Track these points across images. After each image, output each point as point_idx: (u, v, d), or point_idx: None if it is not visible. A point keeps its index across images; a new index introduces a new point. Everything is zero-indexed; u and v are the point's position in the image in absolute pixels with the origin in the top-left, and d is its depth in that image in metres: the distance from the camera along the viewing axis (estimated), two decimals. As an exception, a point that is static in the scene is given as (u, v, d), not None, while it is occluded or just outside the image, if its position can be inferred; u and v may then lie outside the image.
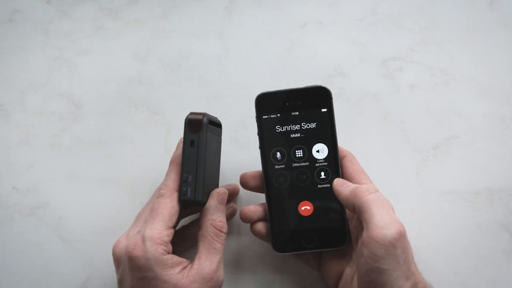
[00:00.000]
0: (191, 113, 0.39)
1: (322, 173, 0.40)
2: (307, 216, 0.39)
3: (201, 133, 0.38)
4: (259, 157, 0.40)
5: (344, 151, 0.41)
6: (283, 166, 0.40)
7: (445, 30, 0.51)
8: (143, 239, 0.35)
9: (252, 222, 0.41)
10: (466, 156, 0.46)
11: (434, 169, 0.46)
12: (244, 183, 0.41)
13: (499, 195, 0.45)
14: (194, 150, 0.38)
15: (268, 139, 0.40)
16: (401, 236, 0.32)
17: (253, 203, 0.42)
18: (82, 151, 0.49)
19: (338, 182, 0.38)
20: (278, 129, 0.40)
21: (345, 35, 0.52)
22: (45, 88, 0.52)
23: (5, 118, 0.51)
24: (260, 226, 0.40)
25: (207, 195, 0.39)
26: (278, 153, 0.40)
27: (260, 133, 0.40)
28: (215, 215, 0.38)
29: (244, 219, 0.40)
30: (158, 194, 0.38)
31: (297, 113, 0.40)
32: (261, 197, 0.41)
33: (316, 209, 0.39)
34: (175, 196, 0.38)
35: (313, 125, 0.40)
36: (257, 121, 0.40)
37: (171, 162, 0.40)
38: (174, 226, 0.38)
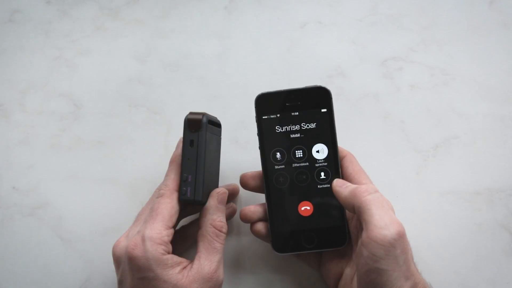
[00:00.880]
0: (191, 113, 0.39)
1: (322, 173, 0.40)
2: (307, 216, 0.39)
3: (201, 133, 0.38)
4: (259, 157, 0.40)
5: (344, 151, 0.41)
6: (283, 166, 0.40)
7: (445, 30, 0.51)
8: (143, 239, 0.35)
9: (252, 222, 0.41)
10: (466, 156, 0.46)
11: (434, 169, 0.46)
12: (244, 183, 0.41)
13: (499, 195, 0.45)
14: (194, 150, 0.38)
15: (268, 140, 0.40)
16: (401, 237, 0.32)
17: (253, 203, 0.42)
18: (82, 151, 0.49)
19: (337, 183, 0.38)
20: (278, 130, 0.40)
21: (345, 35, 0.52)
22: (45, 88, 0.52)
23: (5, 118, 0.51)
24: (260, 226, 0.40)
25: (207, 195, 0.39)
26: (278, 153, 0.40)
27: (260, 134, 0.40)
28: (215, 215, 0.38)
29: (244, 219, 0.40)
30: (158, 194, 0.38)
31: (297, 113, 0.40)
32: (261, 197, 0.41)
33: (316, 209, 0.39)
34: (175, 196, 0.38)
35: (313, 125, 0.40)
36: (256, 122, 0.40)
37: (171, 162, 0.40)
38: (174, 226, 0.38)
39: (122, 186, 0.47)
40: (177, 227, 0.42)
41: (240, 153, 0.48)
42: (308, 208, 0.40)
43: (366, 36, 0.51)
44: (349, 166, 0.40)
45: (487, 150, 0.46)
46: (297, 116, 0.40)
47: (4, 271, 0.45)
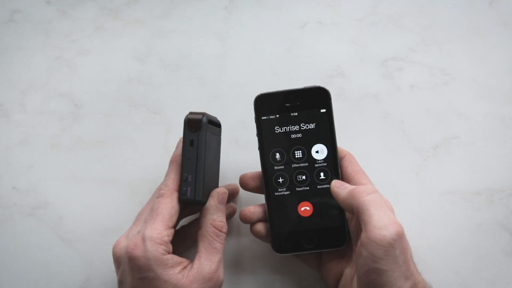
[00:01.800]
0: (191, 113, 0.39)
1: (322, 174, 0.40)
2: (307, 217, 0.39)
3: (201, 133, 0.38)
4: (259, 157, 0.40)
5: (343, 151, 0.41)
6: (283, 166, 0.40)
7: (445, 30, 0.51)
8: (143, 239, 0.35)
9: (252, 223, 0.41)
10: (466, 156, 0.46)
11: (434, 169, 0.46)
12: (243, 184, 0.41)
13: (499, 195, 0.45)
14: (194, 150, 0.38)
15: (267, 140, 0.40)
16: (400, 237, 0.32)
17: (253, 203, 0.42)
18: (82, 151, 0.49)
19: (336, 184, 0.38)
20: (277, 130, 0.40)
21: (345, 35, 0.52)
22: (45, 88, 0.52)
23: (5, 118, 0.51)
24: (260, 227, 0.40)
25: (207, 195, 0.39)
26: (278, 154, 0.40)
27: (259, 134, 0.40)
28: (215, 215, 0.38)
29: (244, 220, 0.40)
30: (158, 194, 0.38)
31: (296, 113, 0.40)
32: (261, 198, 0.41)
33: (315, 210, 0.39)
34: (175, 196, 0.38)
35: (312, 126, 0.40)
36: (256, 122, 0.40)
37: (171, 162, 0.40)
38: (174, 226, 0.38)
39: (122, 186, 0.47)
40: (177, 227, 0.42)
41: (240, 153, 0.48)
42: (308, 208, 0.39)
43: (366, 36, 0.51)
44: (348, 166, 0.40)
45: (487, 150, 0.46)
46: (296, 116, 0.40)
47: (4, 271, 0.45)
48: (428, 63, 0.50)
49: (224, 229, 0.38)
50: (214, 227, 0.38)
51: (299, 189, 0.40)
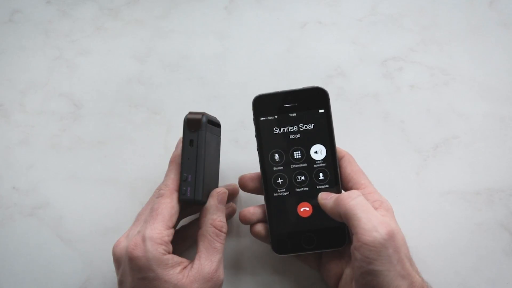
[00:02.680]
0: (190, 113, 0.39)
1: (321, 174, 0.40)
2: (306, 217, 0.39)
3: (200, 133, 0.38)
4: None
5: (342, 152, 0.41)
6: (282, 167, 0.40)
7: (445, 30, 0.51)
8: (144, 239, 0.35)
9: (252, 224, 0.41)
10: (466, 156, 0.46)
11: (434, 169, 0.46)
12: (242, 185, 0.41)
13: (499, 195, 0.45)
14: (194, 150, 0.38)
15: (266, 141, 0.40)
16: (391, 236, 0.32)
17: (253, 203, 0.42)
18: (82, 151, 0.49)
19: (322, 196, 0.38)
20: (276, 131, 0.40)
21: (345, 35, 0.52)
22: (45, 88, 0.52)
23: (5, 118, 0.51)
24: (260, 228, 0.40)
25: (207, 195, 0.39)
26: (276, 154, 0.40)
27: (258, 135, 0.40)
28: (215, 215, 0.38)
29: (244, 221, 0.40)
30: (158, 194, 0.38)
31: (295, 114, 0.40)
32: (261, 198, 0.41)
33: (315, 210, 0.39)
34: (175, 196, 0.38)
35: (310, 126, 0.40)
36: (254, 123, 0.40)
37: (171, 162, 0.40)
38: (174, 226, 0.38)
39: (122, 186, 0.47)
40: (177, 227, 0.42)
41: (240, 153, 0.48)
42: (307, 209, 0.39)
43: (366, 36, 0.51)
44: (347, 166, 0.40)
45: (487, 150, 0.46)
46: (295, 117, 0.40)
47: (4, 271, 0.45)
48: (428, 63, 0.50)
49: (224, 229, 0.38)
50: (214, 227, 0.38)
51: (298, 189, 0.40)
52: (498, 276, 0.42)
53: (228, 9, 0.54)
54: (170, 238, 0.36)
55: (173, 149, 0.41)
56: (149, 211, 0.38)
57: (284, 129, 0.40)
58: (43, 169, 0.48)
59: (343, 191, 0.40)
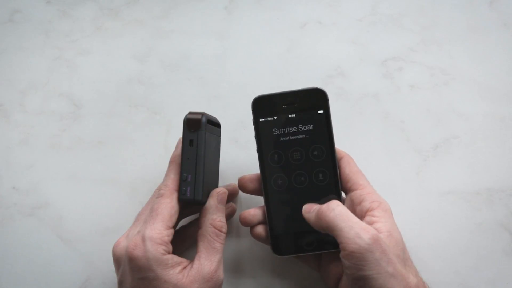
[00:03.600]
0: (190, 113, 0.39)
1: (320, 175, 0.40)
2: None
3: (200, 133, 0.38)
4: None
5: (341, 152, 0.41)
6: (281, 168, 0.40)
7: (445, 30, 0.51)
8: (143, 239, 0.35)
9: (252, 226, 0.41)
10: (466, 156, 0.46)
11: (434, 169, 0.46)
12: (242, 186, 0.41)
13: (499, 195, 0.45)
14: (193, 150, 0.38)
15: (265, 142, 0.40)
16: (375, 240, 0.33)
17: (253, 203, 0.42)
18: (82, 151, 0.49)
19: (305, 209, 0.38)
20: (275, 132, 0.40)
21: (345, 35, 0.52)
22: (45, 88, 0.52)
23: (5, 118, 0.51)
24: (260, 230, 0.40)
25: (206, 195, 0.39)
26: (276, 155, 0.40)
27: (257, 136, 0.40)
28: (214, 215, 0.38)
29: (244, 223, 0.40)
30: (157, 194, 0.38)
31: (294, 115, 0.40)
32: (261, 198, 0.41)
33: None
34: (174, 196, 0.38)
35: (310, 127, 0.40)
36: (254, 124, 0.40)
37: (170, 162, 0.40)
38: (174, 226, 0.38)
39: (122, 186, 0.47)
40: (177, 227, 0.42)
41: (240, 153, 0.48)
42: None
43: (366, 36, 0.51)
44: (346, 167, 0.40)
45: (487, 150, 0.46)
46: (294, 118, 0.40)
47: (4, 271, 0.45)
48: (428, 63, 0.50)
49: (224, 229, 0.38)
50: (214, 227, 0.38)
51: (297, 190, 0.40)
52: (498, 276, 0.42)
53: (228, 9, 0.54)
54: (170, 238, 0.36)
55: (173, 149, 0.41)
56: (149, 211, 0.38)
57: (283, 130, 0.40)
58: (43, 169, 0.48)
59: (342, 192, 0.40)
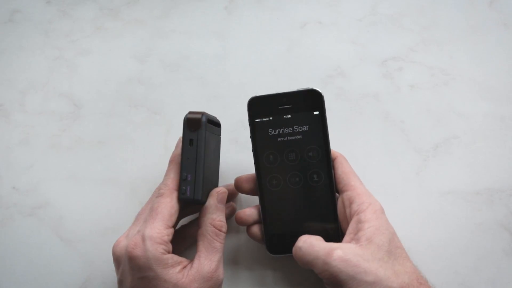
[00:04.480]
0: (190, 112, 0.39)
1: (315, 176, 0.40)
2: (301, 218, 0.39)
3: (200, 132, 0.38)
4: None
5: (335, 153, 0.41)
6: (276, 169, 0.40)
7: (445, 30, 0.51)
8: (143, 239, 0.35)
9: (248, 225, 0.41)
10: (466, 156, 0.46)
11: (434, 169, 0.46)
12: (238, 186, 0.41)
13: (499, 195, 0.45)
14: (193, 149, 0.38)
15: (261, 143, 0.40)
16: (343, 260, 0.33)
17: (252, 202, 0.42)
18: (82, 151, 0.49)
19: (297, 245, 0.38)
20: (271, 132, 0.40)
21: (345, 35, 0.52)
22: (45, 88, 0.52)
23: (5, 118, 0.51)
24: (256, 229, 0.40)
25: (206, 194, 0.39)
26: (271, 156, 0.40)
27: (253, 137, 0.40)
28: (214, 214, 0.38)
29: (240, 222, 0.40)
30: (157, 194, 0.38)
31: (290, 116, 0.40)
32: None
33: (309, 211, 0.39)
34: (174, 195, 0.38)
35: (305, 128, 0.40)
36: (249, 125, 0.40)
37: (170, 161, 0.40)
38: (174, 226, 0.38)
39: (122, 186, 0.47)
40: (177, 227, 0.42)
41: (240, 153, 0.48)
42: (302, 210, 0.40)
43: (366, 36, 0.51)
44: (339, 167, 0.40)
45: (487, 150, 0.46)
46: (290, 119, 0.40)
47: (4, 271, 0.45)
48: (428, 63, 0.50)
49: (224, 229, 0.38)
50: (214, 227, 0.38)
51: (292, 190, 0.40)
52: (498, 276, 0.42)
53: (228, 9, 0.54)
54: (170, 237, 0.36)
55: (173, 149, 0.41)
56: (148, 211, 0.38)
57: (279, 131, 0.40)
58: (43, 169, 0.48)
59: (337, 194, 0.40)
